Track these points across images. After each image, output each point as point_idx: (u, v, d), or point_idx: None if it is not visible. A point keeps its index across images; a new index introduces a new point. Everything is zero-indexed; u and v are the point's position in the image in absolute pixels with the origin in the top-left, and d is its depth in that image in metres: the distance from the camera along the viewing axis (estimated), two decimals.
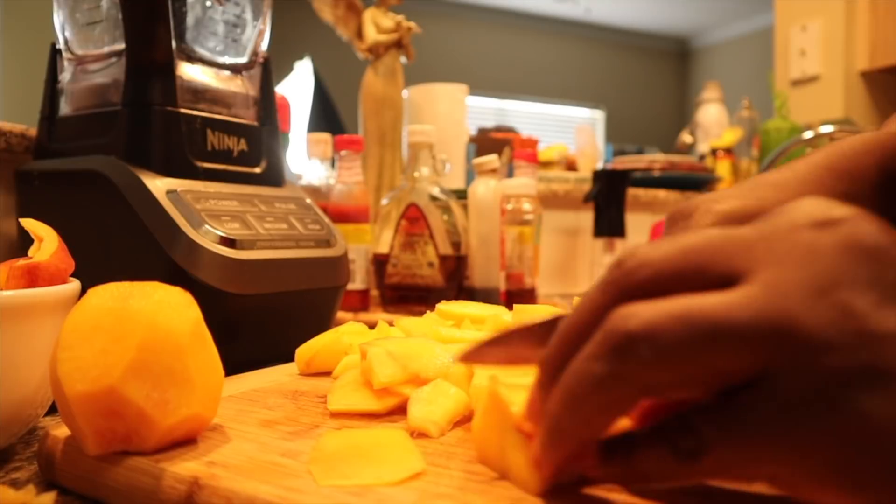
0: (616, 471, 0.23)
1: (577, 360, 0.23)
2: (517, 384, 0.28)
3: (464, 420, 0.35)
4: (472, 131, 1.43)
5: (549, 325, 0.27)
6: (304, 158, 0.97)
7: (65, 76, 0.58)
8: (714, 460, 0.21)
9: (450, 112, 1.11)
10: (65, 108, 0.58)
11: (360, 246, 0.86)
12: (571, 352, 0.23)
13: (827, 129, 1.36)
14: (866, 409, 0.19)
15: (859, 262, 0.20)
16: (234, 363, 0.43)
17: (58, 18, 0.58)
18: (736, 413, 0.20)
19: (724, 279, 0.22)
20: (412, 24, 1.07)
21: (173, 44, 0.54)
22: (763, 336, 0.20)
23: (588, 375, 0.22)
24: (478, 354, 0.29)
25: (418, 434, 0.33)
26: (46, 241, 0.39)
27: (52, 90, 0.58)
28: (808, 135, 1.33)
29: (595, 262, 1.24)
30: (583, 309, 0.24)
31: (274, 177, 0.62)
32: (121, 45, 0.54)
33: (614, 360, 0.21)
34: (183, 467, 0.29)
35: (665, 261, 0.22)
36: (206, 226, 0.50)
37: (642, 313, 0.21)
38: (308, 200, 0.63)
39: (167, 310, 0.32)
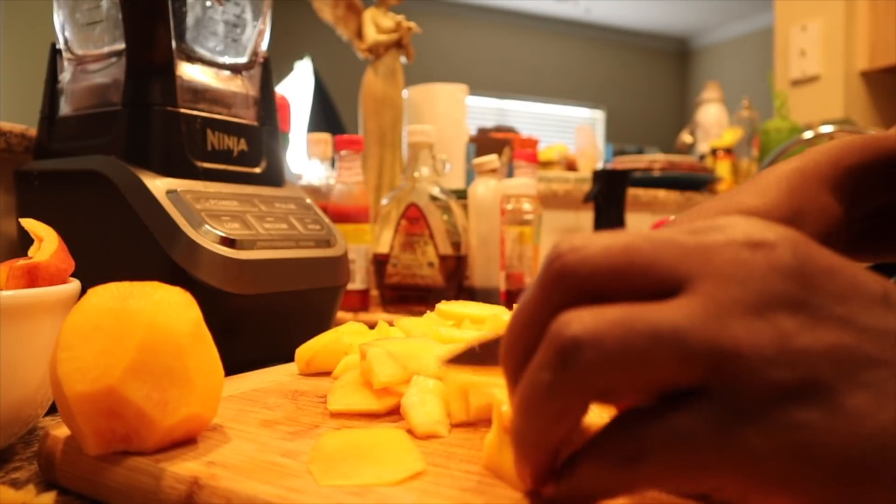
0: (564, 489, 0.23)
1: (528, 370, 0.23)
2: None
3: (464, 421, 0.35)
4: (472, 131, 1.43)
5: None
6: (304, 158, 0.97)
7: (65, 76, 0.58)
8: (655, 467, 0.21)
9: (450, 112, 1.11)
10: (65, 108, 0.58)
11: (360, 246, 0.86)
12: (523, 357, 0.24)
13: (827, 129, 1.36)
14: (801, 422, 0.20)
15: (790, 284, 0.22)
16: (234, 363, 0.43)
17: (58, 18, 0.58)
18: (677, 420, 0.21)
19: (663, 285, 0.22)
20: (412, 24, 1.07)
21: (173, 44, 0.54)
22: (704, 352, 0.21)
23: (538, 384, 0.22)
24: (465, 360, 0.30)
25: (427, 437, 0.33)
26: (46, 241, 0.39)
27: (52, 90, 0.58)
28: (808, 135, 1.33)
29: None
30: (523, 309, 0.24)
31: (274, 177, 0.62)
32: (121, 45, 0.54)
33: (560, 367, 0.22)
34: (183, 467, 0.29)
35: (605, 258, 0.23)
36: (206, 226, 0.50)
37: (586, 320, 0.21)
38: (308, 200, 0.63)
39: (167, 310, 0.32)
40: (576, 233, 1.44)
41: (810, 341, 0.21)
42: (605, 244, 0.23)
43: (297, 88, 2.63)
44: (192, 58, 0.57)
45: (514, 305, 0.25)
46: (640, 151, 2.08)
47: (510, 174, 1.12)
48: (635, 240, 0.23)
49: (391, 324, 0.50)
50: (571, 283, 0.23)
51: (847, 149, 0.37)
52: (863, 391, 0.20)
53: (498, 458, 0.28)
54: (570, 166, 1.65)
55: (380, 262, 0.89)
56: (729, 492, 0.21)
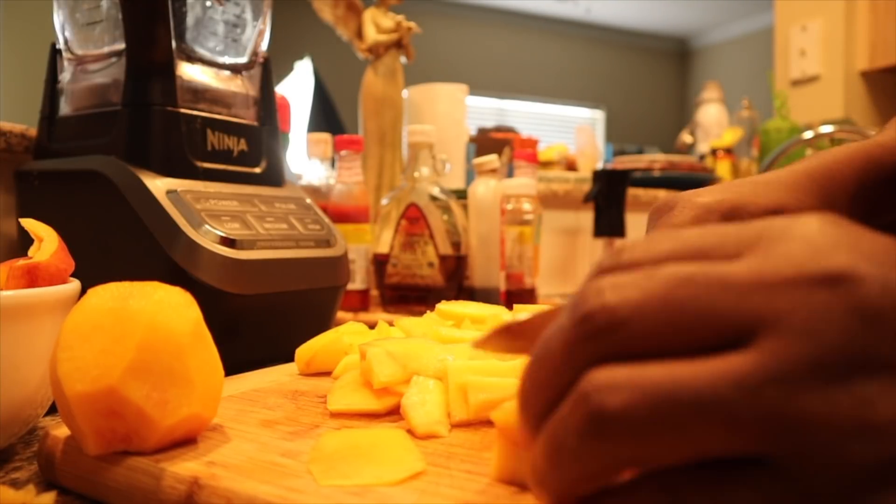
0: None
1: (552, 424, 0.20)
2: None
3: (464, 421, 0.35)
4: (472, 131, 1.43)
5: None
6: (304, 158, 0.97)
7: (65, 76, 0.58)
8: None
9: (450, 112, 1.11)
10: (65, 108, 0.58)
11: (360, 246, 0.86)
12: (545, 407, 0.21)
13: (827, 129, 1.36)
14: None
15: (879, 334, 0.17)
16: (234, 363, 0.43)
17: (58, 18, 0.58)
18: (732, 493, 0.18)
19: (717, 339, 0.19)
20: (412, 24, 1.07)
21: (173, 44, 0.54)
22: (761, 424, 0.17)
23: (562, 447, 0.20)
24: (494, 341, 0.27)
25: (427, 437, 0.33)
26: (46, 241, 0.39)
27: (52, 90, 0.58)
28: (808, 135, 1.33)
29: (595, 262, 1.24)
30: (553, 357, 0.21)
31: (274, 177, 0.62)
32: (121, 45, 0.54)
33: (588, 436, 0.19)
34: (183, 467, 0.29)
35: (643, 317, 0.19)
36: (206, 226, 0.50)
37: (620, 386, 0.18)
38: (308, 200, 0.63)
39: (167, 310, 0.32)
40: (577, 233, 1.44)
41: None
42: (643, 297, 0.19)
43: (297, 88, 2.63)
44: (192, 58, 0.57)
45: (538, 344, 0.22)
46: (640, 151, 2.08)
47: (510, 174, 1.12)
48: (680, 286, 0.19)
49: (391, 324, 0.50)
50: (606, 342, 0.20)
51: (861, 157, 0.35)
52: None
53: (510, 469, 0.27)
54: (570, 166, 1.65)
55: (380, 262, 0.89)
56: None
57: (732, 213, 0.32)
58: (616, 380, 0.19)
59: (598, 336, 0.20)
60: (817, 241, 0.19)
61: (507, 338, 0.27)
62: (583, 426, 0.19)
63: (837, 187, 0.35)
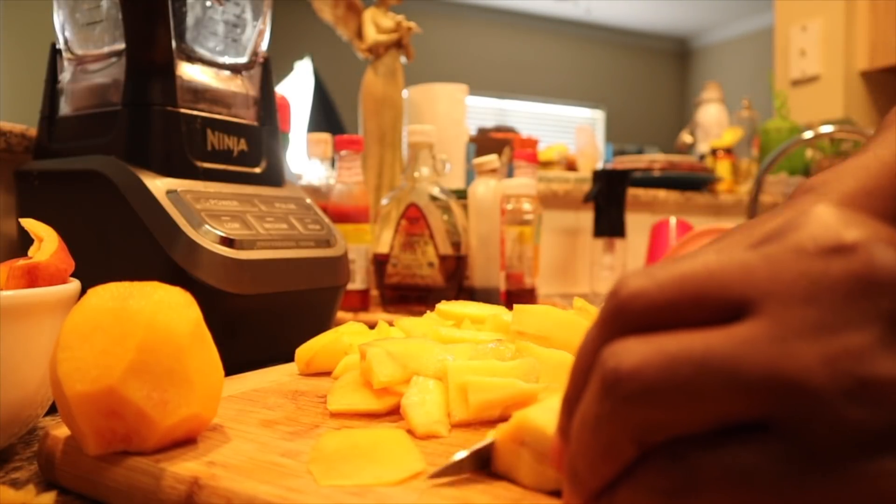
0: None
1: (581, 403, 0.22)
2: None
3: (464, 421, 0.35)
4: (472, 131, 1.43)
5: None
6: (304, 158, 0.97)
7: (65, 76, 0.58)
8: (709, 500, 0.19)
9: (450, 112, 1.11)
10: (65, 108, 0.58)
11: (360, 246, 0.86)
12: (579, 390, 0.22)
13: (827, 129, 1.36)
14: (887, 471, 0.17)
15: (874, 297, 0.18)
16: (234, 363, 0.43)
17: (58, 18, 0.58)
18: (737, 455, 0.19)
19: (724, 311, 0.20)
20: (412, 24, 1.07)
21: (173, 44, 0.54)
22: (764, 384, 0.18)
23: (585, 417, 0.21)
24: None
25: (427, 437, 0.33)
26: (46, 241, 0.39)
27: (52, 90, 0.58)
28: (808, 135, 1.33)
29: (595, 262, 1.24)
30: (583, 346, 0.23)
31: (274, 177, 0.62)
32: (121, 45, 0.54)
33: (604, 399, 0.20)
34: (183, 467, 0.29)
35: (659, 291, 0.21)
36: (206, 226, 0.50)
37: (633, 350, 0.20)
38: (308, 200, 0.63)
39: (167, 310, 0.32)
40: (578, 233, 1.44)
41: None
42: (660, 276, 0.21)
43: (297, 88, 2.63)
44: (192, 58, 0.57)
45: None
46: (640, 151, 2.08)
47: (510, 174, 1.12)
48: (693, 266, 0.21)
49: (391, 324, 0.50)
50: (626, 317, 0.21)
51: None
52: None
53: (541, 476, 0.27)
54: (570, 166, 1.65)
55: (380, 262, 0.89)
56: None
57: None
58: (628, 346, 0.20)
59: (618, 313, 0.21)
60: (816, 227, 0.20)
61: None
62: (599, 390, 0.20)
63: None
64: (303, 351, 0.48)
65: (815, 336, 0.18)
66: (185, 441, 0.32)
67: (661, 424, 0.19)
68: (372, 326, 0.50)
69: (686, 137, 2.12)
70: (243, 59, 0.61)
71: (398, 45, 1.06)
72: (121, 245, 0.51)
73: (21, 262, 0.37)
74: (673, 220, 1.31)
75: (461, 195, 0.93)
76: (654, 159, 1.64)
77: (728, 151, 1.88)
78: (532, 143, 1.28)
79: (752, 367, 0.18)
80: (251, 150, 0.60)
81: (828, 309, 0.18)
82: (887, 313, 0.18)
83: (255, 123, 0.61)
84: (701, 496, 0.19)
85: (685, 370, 0.19)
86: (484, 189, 0.89)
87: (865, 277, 0.18)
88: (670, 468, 0.19)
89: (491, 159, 0.90)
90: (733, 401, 0.18)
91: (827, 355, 0.18)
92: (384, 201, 0.91)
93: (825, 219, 0.20)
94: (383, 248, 0.88)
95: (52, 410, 0.38)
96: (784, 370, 0.18)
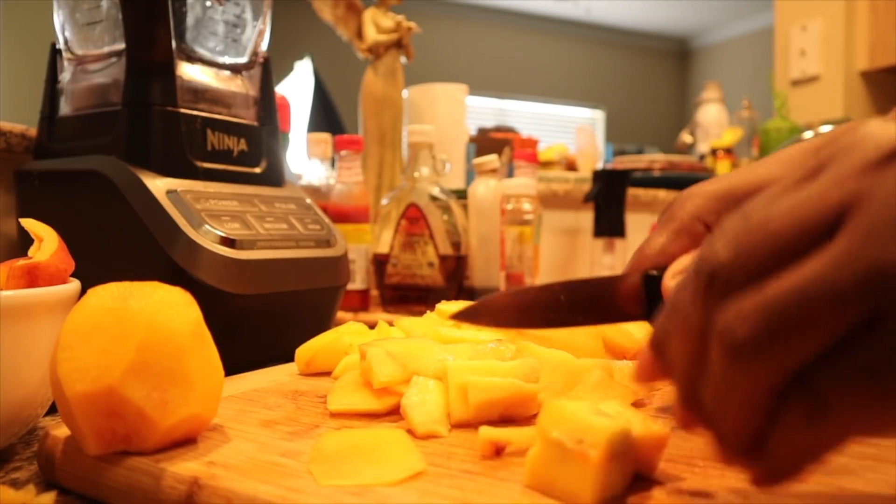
0: (765, 469, 0.23)
1: (709, 374, 0.23)
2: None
3: (464, 421, 0.35)
4: (472, 131, 1.43)
5: (546, 289, 0.28)
6: (304, 158, 0.97)
7: (65, 76, 0.58)
8: (840, 415, 0.20)
9: (450, 112, 1.11)
10: (65, 108, 0.58)
11: (360, 246, 0.86)
12: (693, 368, 0.23)
13: (827, 129, 1.36)
14: None
15: None
16: (234, 363, 0.43)
17: (58, 18, 0.58)
18: (849, 360, 0.20)
19: (811, 245, 0.21)
20: (412, 24, 1.07)
21: (173, 44, 0.54)
22: (864, 284, 0.19)
23: (720, 388, 0.22)
24: (473, 315, 0.29)
25: (427, 437, 0.33)
26: (46, 241, 0.39)
27: (52, 90, 0.58)
28: (808, 135, 1.33)
29: (595, 262, 1.24)
30: (683, 315, 0.24)
31: (274, 177, 0.62)
32: (121, 45, 0.54)
33: (732, 366, 0.21)
34: (183, 467, 0.29)
35: (747, 256, 0.22)
36: (206, 226, 0.50)
37: (744, 316, 0.21)
38: (308, 200, 0.63)
39: (167, 310, 0.32)
40: (578, 233, 1.44)
41: None
42: (745, 233, 0.22)
43: (297, 88, 2.63)
44: (192, 58, 0.57)
45: (667, 305, 0.25)
46: (640, 151, 2.08)
47: (510, 174, 1.12)
48: (771, 206, 0.22)
49: (391, 324, 0.50)
50: (726, 285, 0.22)
51: None
52: None
53: (546, 475, 0.27)
54: (570, 166, 1.65)
55: (380, 262, 0.89)
56: None
57: (729, 196, 0.33)
58: (741, 311, 0.21)
59: (723, 286, 0.22)
60: (873, 139, 0.21)
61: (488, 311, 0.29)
62: (727, 361, 0.21)
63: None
64: (303, 351, 0.48)
65: (894, 230, 0.19)
66: (185, 441, 0.32)
67: (788, 365, 0.21)
68: (372, 326, 0.50)
69: (686, 137, 2.13)
70: (243, 59, 0.61)
71: (398, 45, 1.06)
72: (121, 245, 0.51)
73: (21, 262, 0.37)
74: None
75: (461, 195, 0.93)
76: (654, 159, 1.64)
77: (728, 151, 1.88)
78: (532, 143, 1.28)
79: (848, 275, 0.19)
80: (251, 150, 0.60)
81: None
82: None
83: (255, 123, 0.61)
84: (834, 413, 0.20)
85: (793, 309, 0.20)
86: (484, 189, 0.89)
87: None
88: (802, 401, 0.21)
89: (491, 159, 0.90)
90: (842, 314, 0.20)
91: None
92: (384, 201, 0.91)
93: (880, 128, 0.21)
94: (383, 248, 0.88)
95: (52, 410, 0.38)
96: (880, 263, 0.19)
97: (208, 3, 0.57)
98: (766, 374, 0.21)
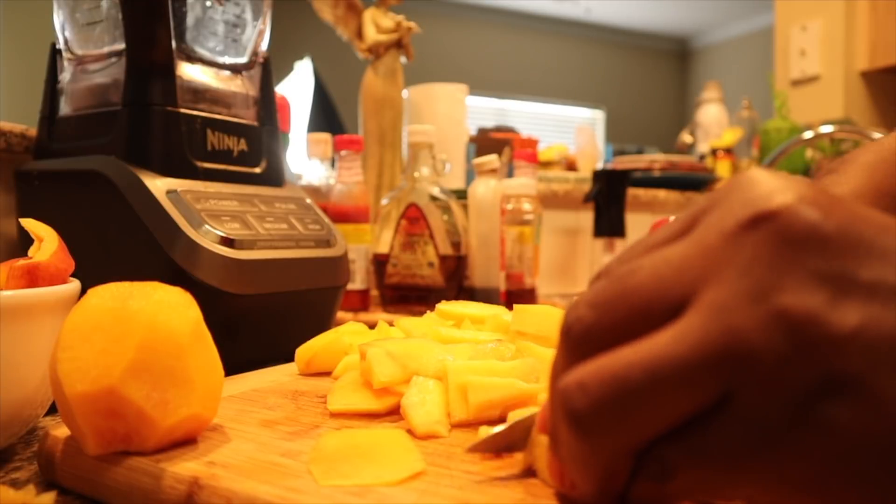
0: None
1: (561, 439, 0.23)
2: None
3: (464, 421, 0.35)
4: (472, 131, 1.43)
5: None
6: (304, 158, 0.97)
7: (65, 76, 0.58)
8: (686, 484, 0.20)
9: (450, 112, 1.11)
10: (65, 108, 0.58)
11: (360, 246, 0.86)
12: (554, 429, 0.23)
13: (827, 129, 1.36)
14: (832, 420, 0.18)
15: (799, 256, 0.18)
16: (234, 363, 0.43)
17: (58, 18, 0.58)
18: (698, 441, 0.19)
19: (667, 312, 0.20)
20: (412, 24, 1.07)
21: (173, 44, 0.54)
22: (714, 365, 0.18)
23: (571, 453, 0.22)
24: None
25: (427, 437, 0.33)
26: (46, 241, 0.39)
27: (52, 90, 0.58)
28: (808, 135, 1.33)
29: (595, 262, 1.24)
30: (550, 379, 0.24)
31: (274, 177, 0.62)
32: (121, 45, 0.54)
33: (577, 436, 0.21)
34: (183, 467, 0.29)
35: (598, 318, 0.21)
36: (206, 226, 0.50)
37: (585, 385, 0.20)
38: (308, 200, 0.63)
39: (167, 310, 0.32)
40: (577, 233, 1.44)
41: (829, 328, 0.18)
42: (600, 298, 0.21)
43: (297, 88, 2.63)
44: (192, 58, 0.57)
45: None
46: (640, 151, 2.08)
47: (510, 174, 1.12)
48: (629, 277, 0.21)
49: (391, 324, 0.50)
50: (577, 349, 0.21)
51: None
52: None
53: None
54: (570, 166, 1.65)
55: (380, 262, 0.89)
56: (761, 501, 0.20)
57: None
58: (583, 379, 0.20)
59: (566, 338, 0.22)
60: (739, 202, 0.20)
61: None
62: (569, 430, 0.21)
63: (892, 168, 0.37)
64: (303, 351, 0.48)
65: (748, 305, 0.18)
66: (185, 441, 0.32)
67: (632, 440, 0.20)
68: (372, 326, 0.50)
69: (686, 137, 2.13)
70: (243, 59, 0.61)
71: (398, 45, 1.06)
72: (121, 245, 0.51)
73: (21, 262, 0.37)
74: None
75: (461, 195, 0.93)
76: (654, 159, 1.64)
77: (728, 151, 1.88)
78: (532, 143, 1.28)
79: (696, 353, 0.19)
80: (251, 150, 0.60)
81: (758, 277, 0.18)
82: (814, 269, 0.18)
83: (255, 123, 0.61)
84: (680, 482, 0.20)
85: (635, 382, 0.19)
86: (484, 189, 0.89)
87: (788, 238, 0.19)
88: (652, 464, 0.20)
89: (491, 159, 0.90)
90: (690, 394, 0.19)
91: (760, 319, 0.18)
92: (384, 201, 0.91)
93: (753, 188, 0.20)
94: (383, 248, 0.88)
95: (52, 410, 0.38)
96: (729, 347, 0.18)
97: (208, 3, 0.57)
98: (608, 447, 0.20)
